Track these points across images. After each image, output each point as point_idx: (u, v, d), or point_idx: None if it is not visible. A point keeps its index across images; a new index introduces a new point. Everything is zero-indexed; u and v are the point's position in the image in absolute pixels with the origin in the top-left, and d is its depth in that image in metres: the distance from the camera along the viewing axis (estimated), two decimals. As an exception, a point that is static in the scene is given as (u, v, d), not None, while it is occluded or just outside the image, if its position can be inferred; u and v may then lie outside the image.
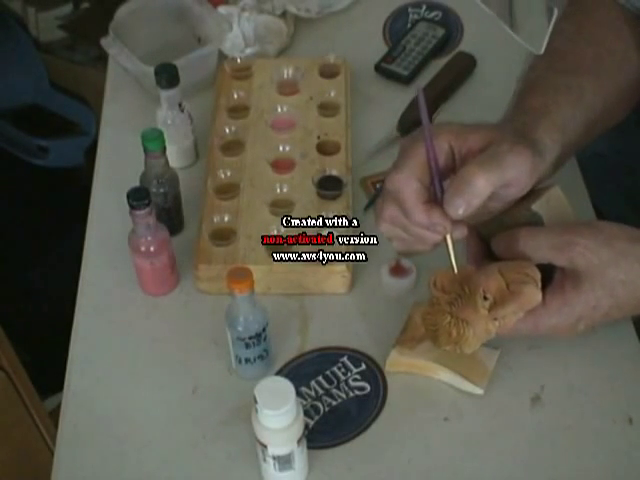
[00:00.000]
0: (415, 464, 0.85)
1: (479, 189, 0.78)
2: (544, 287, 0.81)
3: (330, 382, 0.91)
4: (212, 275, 0.96)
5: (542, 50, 0.77)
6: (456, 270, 0.83)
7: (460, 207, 0.79)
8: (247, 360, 0.89)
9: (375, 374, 0.91)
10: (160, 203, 0.99)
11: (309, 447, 0.83)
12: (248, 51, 1.21)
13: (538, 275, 0.81)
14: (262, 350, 0.89)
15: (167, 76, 1.04)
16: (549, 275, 0.82)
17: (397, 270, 0.97)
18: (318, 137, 1.08)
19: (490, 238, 0.87)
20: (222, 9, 1.22)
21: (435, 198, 0.82)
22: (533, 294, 0.81)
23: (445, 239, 0.83)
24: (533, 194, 0.85)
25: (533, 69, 0.92)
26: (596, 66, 0.91)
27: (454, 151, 0.82)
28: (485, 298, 0.81)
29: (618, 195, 1.20)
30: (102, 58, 1.29)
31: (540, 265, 0.82)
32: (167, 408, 0.90)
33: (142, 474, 0.86)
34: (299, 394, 0.88)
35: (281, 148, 1.07)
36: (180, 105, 1.06)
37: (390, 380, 0.91)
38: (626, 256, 0.80)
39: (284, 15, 1.25)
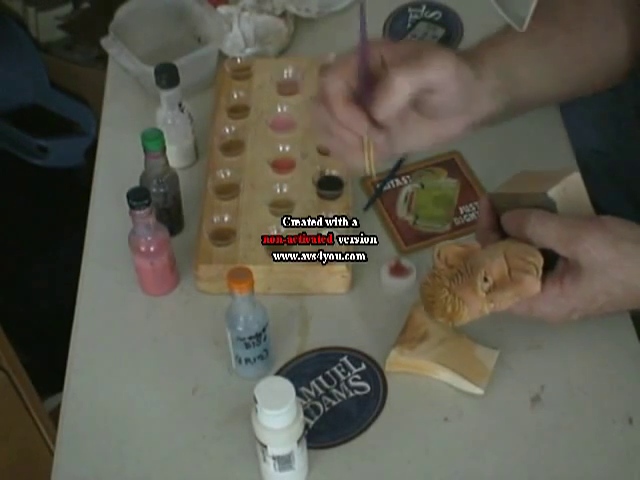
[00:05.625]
0: (415, 464, 0.85)
1: (398, 86, 0.80)
2: (545, 270, 0.81)
3: (330, 382, 0.91)
4: (212, 275, 0.96)
5: (525, 27, 0.78)
6: (368, 171, 0.85)
7: (381, 105, 0.81)
8: (247, 360, 0.89)
9: (375, 374, 0.91)
10: (160, 203, 0.99)
11: (309, 447, 0.83)
12: (248, 51, 1.21)
13: (541, 262, 0.81)
14: (262, 350, 0.89)
15: (167, 76, 1.04)
16: (552, 261, 0.82)
17: (397, 270, 0.97)
18: (318, 137, 1.09)
19: (502, 212, 0.86)
20: (222, 9, 1.22)
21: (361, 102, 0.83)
22: (533, 285, 0.81)
23: (363, 142, 0.84)
24: (552, 177, 0.85)
25: None
26: (573, 24, 0.92)
27: (386, 63, 0.83)
28: (485, 280, 0.81)
29: (619, 193, 1.20)
30: (102, 58, 1.29)
31: (544, 249, 0.82)
32: (167, 408, 0.90)
33: (142, 474, 0.86)
34: (299, 394, 0.88)
35: (281, 148, 1.07)
36: (180, 105, 1.06)
37: (390, 380, 0.91)
38: (630, 258, 0.80)
39: (284, 15, 1.25)
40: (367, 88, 0.83)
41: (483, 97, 0.86)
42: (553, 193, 0.83)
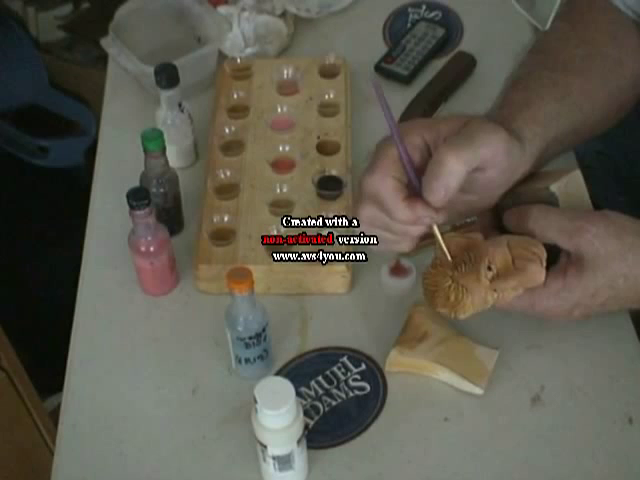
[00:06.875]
0: (415, 464, 0.85)
1: (453, 168, 0.77)
2: (547, 267, 0.81)
3: (330, 382, 0.91)
4: (212, 275, 0.96)
5: (547, 26, 0.76)
6: (450, 258, 0.83)
7: (439, 191, 0.77)
8: (247, 360, 0.89)
9: (375, 374, 0.91)
10: (160, 203, 0.99)
11: (309, 447, 0.83)
12: (248, 51, 1.21)
13: (544, 254, 0.81)
14: (262, 350, 0.89)
15: (167, 76, 1.04)
16: (554, 256, 0.82)
17: (397, 270, 0.97)
18: (318, 137, 1.09)
19: (503, 210, 0.86)
20: (222, 9, 1.22)
21: (414, 192, 0.80)
22: (537, 273, 0.81)
23: (432, 228, 0.82)
24: (553, 175, 0.85)
25: (521, 66, 0.92)
26: (585, 67, 0.91)
27: (429, 145, 0.81)
28: (489, 268, 0.81)
29: (618, 192, 1.20)
30: (102, 58, 1.29)
31: (547, 245, 0.82)
32: (167, 408, 0.90)
33: (142, 474, 0.86)
34: (299, 394, 0.88)
35: (281, 148, 1.07)
36: (180, 105, 1.06)
37: (390, 380, 0.91)
38: (633, 250, 0.80)
39: (284, 15, 1.25)
40: (416, 175, 0.79)
41: (521, 166, 0.83)
42: (555, 188, 0.84)
